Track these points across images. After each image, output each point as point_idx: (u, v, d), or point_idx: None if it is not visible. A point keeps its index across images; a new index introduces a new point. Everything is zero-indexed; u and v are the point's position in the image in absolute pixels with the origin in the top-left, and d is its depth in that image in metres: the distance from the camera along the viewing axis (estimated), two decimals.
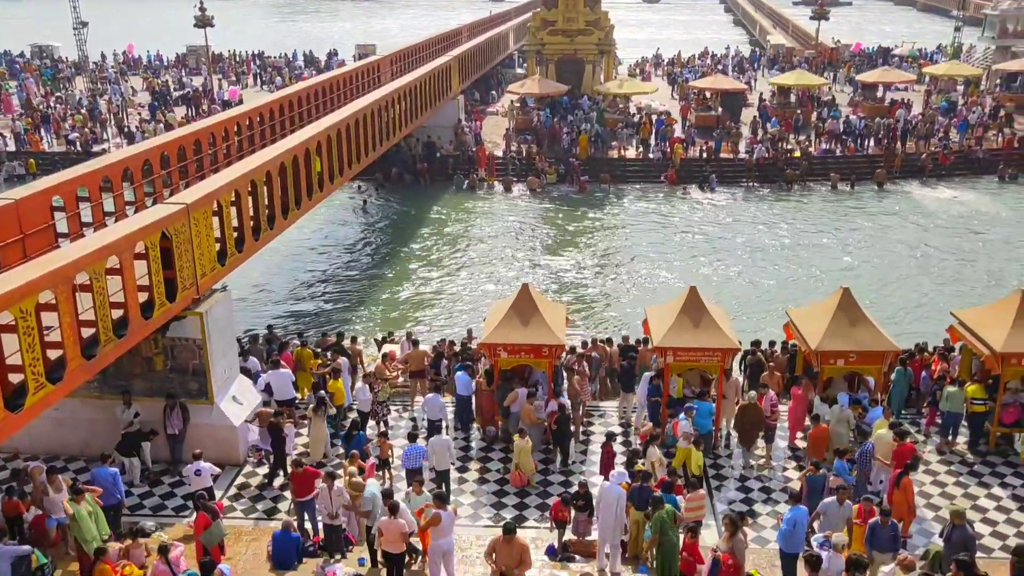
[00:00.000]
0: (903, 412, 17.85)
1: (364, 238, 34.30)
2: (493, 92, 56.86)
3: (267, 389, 17.28)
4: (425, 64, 40.25)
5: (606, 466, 14.73)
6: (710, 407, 16.36)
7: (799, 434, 16.75)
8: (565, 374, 17.49)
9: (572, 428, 16.61)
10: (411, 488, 13.27)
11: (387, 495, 12.50)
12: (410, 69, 38.59)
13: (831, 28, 73.37)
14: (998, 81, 52.48)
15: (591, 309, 27.21)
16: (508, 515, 14.63)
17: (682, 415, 15.58)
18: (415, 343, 19.08)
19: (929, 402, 17.43)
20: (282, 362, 18.03)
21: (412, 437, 15.11)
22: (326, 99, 28.87)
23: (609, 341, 20.06)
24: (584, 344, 19.72)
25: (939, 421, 16.87)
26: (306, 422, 16.84)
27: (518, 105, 47.20)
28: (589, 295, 28.33)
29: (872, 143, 42.53)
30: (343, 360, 18.41)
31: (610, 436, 15.30)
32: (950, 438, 16.61)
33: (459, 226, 35.36)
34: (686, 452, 14.67)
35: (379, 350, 20.16)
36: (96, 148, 40.86)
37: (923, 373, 18.11)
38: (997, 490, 15.24)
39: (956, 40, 69.82)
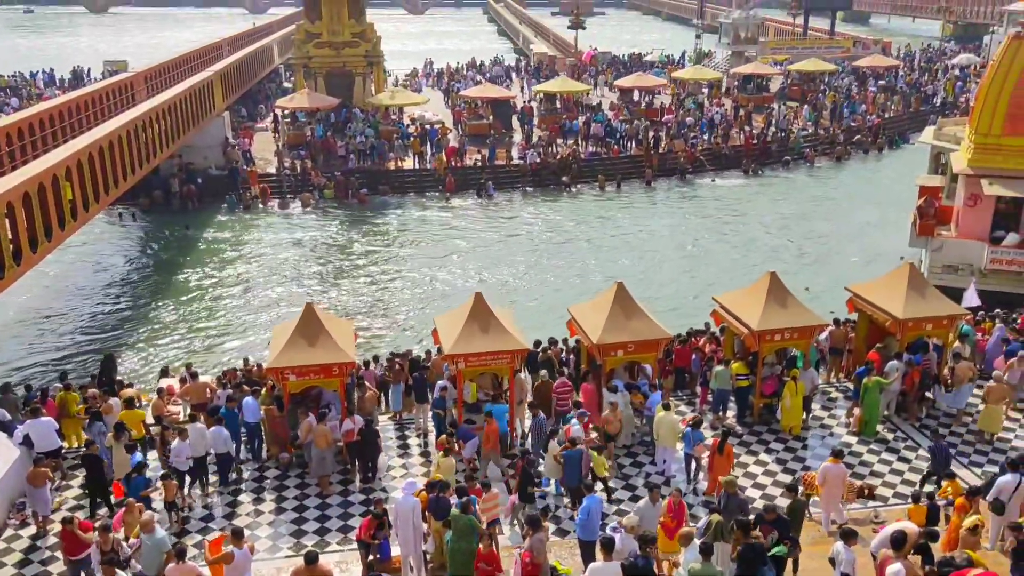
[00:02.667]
0: (680, 393, 19.19)
1: (130, 269, 31.98)
2: (261, 107, 55.00)
3: (26, 441, 15.62)
4: (184, 80, 38.20)
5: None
6: (504, 408, 16.67)
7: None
8: (357, 391, 17.21)
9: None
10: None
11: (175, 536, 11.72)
12: (168, 86, 36.46)
13: (588, 37, 77.52)
14: (736, 83, 57.64)
15: (380, 322, 26.97)
16: (309, 542, 14.14)
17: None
18: (194, 375, 18.01)
19: (701, 382, 18.76)
20: (43, 410, 16.36)
21: (182, 432, 15.04)
22: (73, 121, 26.62)
23: (407, 354, 19.92)
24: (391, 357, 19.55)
25: (710, 399, 18.20)
26: (76, 473, 15.43)
27: (288, 120, 45.97)
28: (376, 309, 28.07)
29: (633, 144, 45.28)
30: (114, 401, 17.00)
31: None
32: (721, 413, 17.97)
33: (233, 249, 33.83)
34: None
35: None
36: None
37: (693, 356, 19.47)
38: (763, 456, 16.68)
39: (698, 47, 76.16)
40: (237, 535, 11.49)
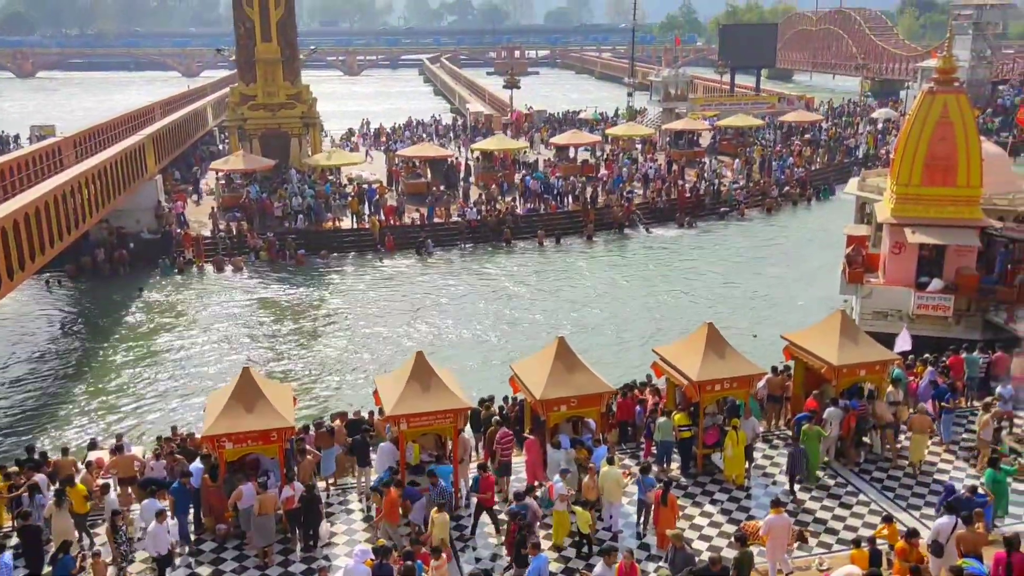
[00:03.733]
0: (624, 446, 19.17)
1: (58, 338, 30.93)
2: (196, 169, 54.42)
3: None
4: (115, 144, 37.67)
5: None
6: (449, 469, 16.43)
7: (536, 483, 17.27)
8: (298, 456, 16.80)
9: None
10: None
11: None
12: (98, 150, 35.88)
13: (523, 96, 78.99)
14: (668, 139, 59.13)
15: (320, 385, 26.52)
16: None
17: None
18: (120, 448, 17.37)
19: (645, 435, 18.78)
20: None
21: (160, 515, 14.32)
22: None
23: (343, 416, 19.56)
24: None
25: (655, 451, 18.22)
26: None
27: (223, 182, 45.56)
28: (316, 371, 27.60)
29: (570, 200, 45.88)
30: (40, 477, 16.25)
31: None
32: (665, 465, 17.98)
33: (166, 314, 33.01)
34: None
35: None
36: None
37: (637, 408, 19.53)
38: (708, 507, 16.69)
39: (630, 104, 78.15)
40: None
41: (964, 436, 19.32)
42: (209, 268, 37.90)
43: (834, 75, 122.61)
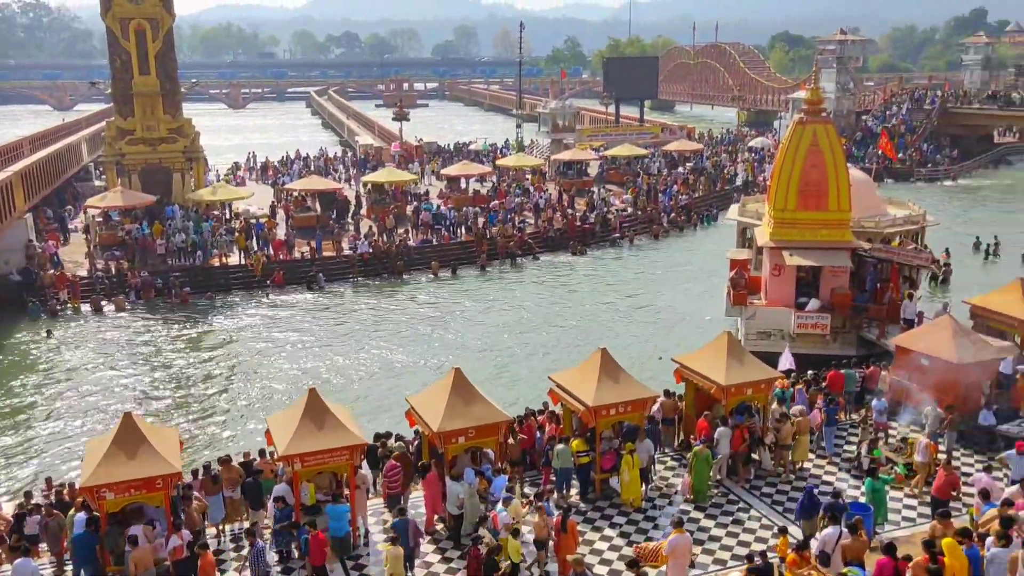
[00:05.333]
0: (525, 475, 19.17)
1: None
2: (70, 207, 51.93)
3: None
4: None
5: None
6: (345, 508, 16.03)
7: (436, 516, 17.08)
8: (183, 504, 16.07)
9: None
10: None
11: None
12: None
13: (412, 128, 79.05)
14: (557, 169, 60.16)
15: (209, 428, 25.54)
16: None
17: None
18: None
19: (543, 462, 18.83)
20: None
21: None
22: None
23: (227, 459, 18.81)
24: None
25: (554, 478, 18.29)
26: None
27: (100, 220, 43.63)
28: (204, 414, 26.57)
29: (463, 231, 46.01)
30: None
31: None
32: (565, 492, 18.07)
33: (36, 360, 31.14)
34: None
35: None
36: None
37: (538, 434, 19.57)
38: (608, 531, 16.86)
39: (519, 135, 79.34)
40: None
41: (845, 449, 20.20)
42: (86, 309, 36.08)
43: (713, 106, 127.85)
